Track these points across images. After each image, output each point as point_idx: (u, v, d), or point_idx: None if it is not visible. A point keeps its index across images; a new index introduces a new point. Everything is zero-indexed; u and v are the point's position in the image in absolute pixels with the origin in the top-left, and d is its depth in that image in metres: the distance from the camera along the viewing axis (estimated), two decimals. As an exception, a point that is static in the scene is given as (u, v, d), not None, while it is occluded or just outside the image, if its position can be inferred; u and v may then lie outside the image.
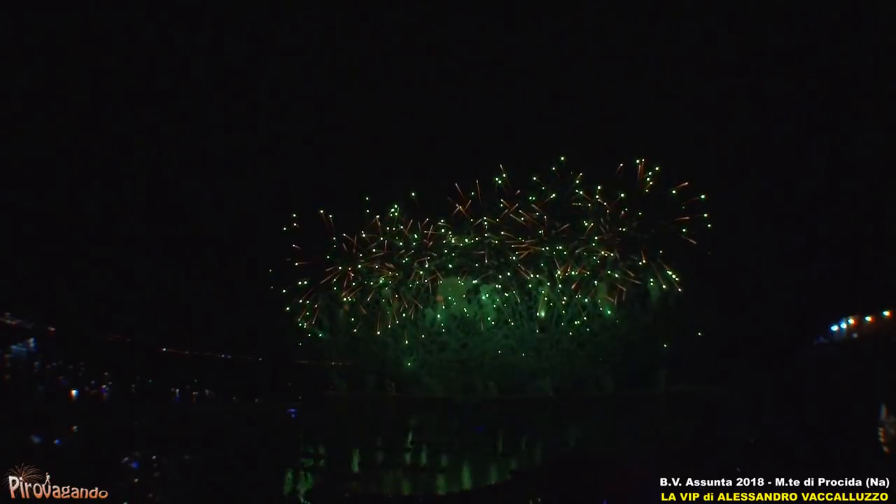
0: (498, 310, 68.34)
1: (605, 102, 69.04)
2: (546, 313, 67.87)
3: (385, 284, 70.50)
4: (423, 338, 69.64)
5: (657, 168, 66.28)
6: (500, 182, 68.91)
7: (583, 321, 67.12)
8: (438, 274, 69.19)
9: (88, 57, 73.32)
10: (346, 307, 71.55)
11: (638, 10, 69.82)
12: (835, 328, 60.70)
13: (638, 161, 66.58)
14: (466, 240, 69.34)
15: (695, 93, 68.16)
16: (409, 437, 50.68)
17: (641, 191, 67.20)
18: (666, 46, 68.60)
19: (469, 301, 68.91)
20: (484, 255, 68.46)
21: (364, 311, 70.57)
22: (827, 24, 62.54)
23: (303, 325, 72.22)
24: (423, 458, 44.55)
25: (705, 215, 65.15)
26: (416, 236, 70.80)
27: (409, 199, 71.00)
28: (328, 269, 71.69)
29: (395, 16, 73.28)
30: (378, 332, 70.47)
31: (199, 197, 77.16)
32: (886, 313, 55.36)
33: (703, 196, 64.89)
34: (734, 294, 63.49)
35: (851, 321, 58.86)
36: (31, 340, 65.07)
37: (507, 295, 68.06)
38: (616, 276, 66.80)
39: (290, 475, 40.16)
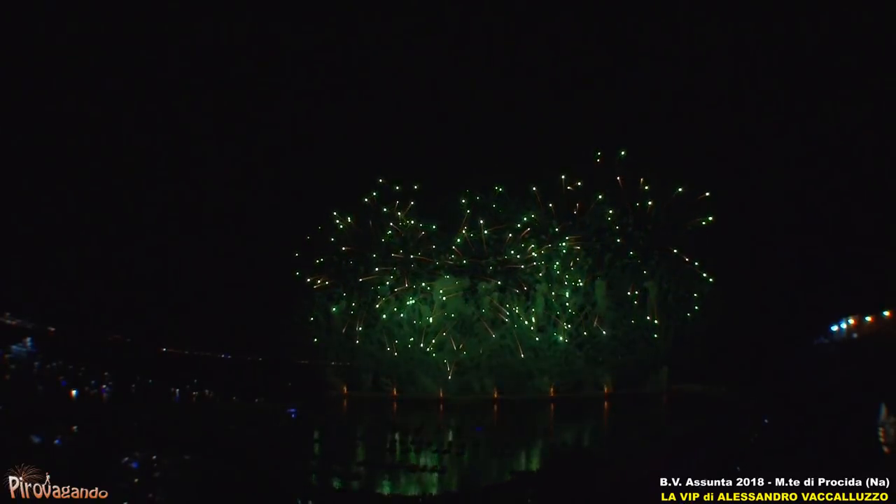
0: (495, 310, 68.38)
1: (605, 100, 68.79)
2: (543, 312, 67.86)
3: (382, 283, 70.65)
4: (419, 338, 69.70)
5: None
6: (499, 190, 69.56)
7: (581, 321, 67.12)
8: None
9: (96, 56, 73.32)
10: (343, 306, 71.71)
11: (642, 14, 69.55)
12: (835, 328, 60.50)
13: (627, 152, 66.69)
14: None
15: (694, 92, 68.06)
16: (409, 438, 50.66)
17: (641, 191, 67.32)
18: (669, 46, 68.39)
19: (466, 300, 68.96)
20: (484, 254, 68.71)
21: (359, 310, 70.78)
22: (832, 20, 62.51)
23: (301, 325, 72.36)
24: (423, 458, 44.60)
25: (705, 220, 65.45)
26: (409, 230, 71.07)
27: (407, 198, 71.35)
28: (325, 269, 71.99)
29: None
30: (374, 332, 70.65)
31: (198, 197, 77.02)
32: (886, 313, 55.15)
33: (707, 194, 65.03)
34: (734, 294, 63.45)
35: (851, 321, 58.61)
36: (29, 340, 64.83)
37: (504, 294, 68.13)
38: (614, 275, 66.98)
39: (290, 475, 40.16)
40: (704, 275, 66.67)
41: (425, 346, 69.37)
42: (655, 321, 66.67)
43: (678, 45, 68.21)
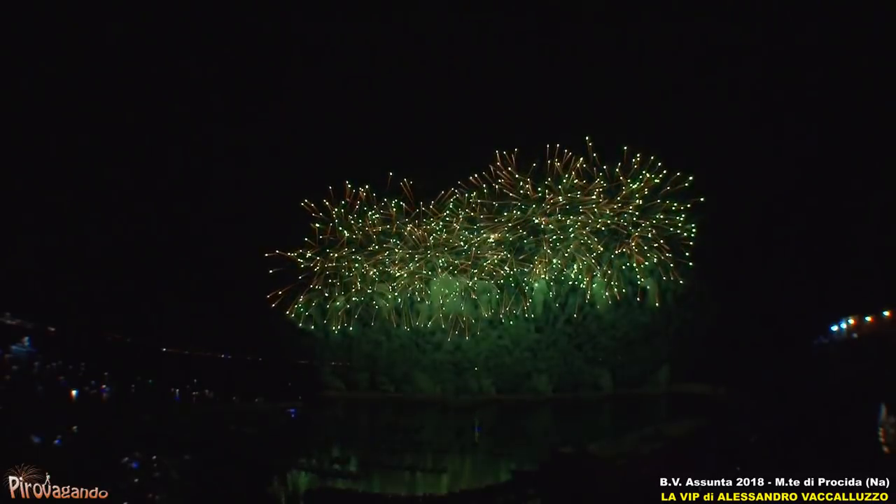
0: (493, 310, 68.33)
1: (603, 93, 68.17)
2: (542, 312, 67.84)
3: (379, 281, 70.71)
4: (416, 337, 69.70)
5: (653, 161, 66.47)
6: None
7: (580, 321, 67.06)
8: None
9: (87, 52, 73.06)
10: (339, 304, 71.72)
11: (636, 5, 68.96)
12: (835, 328, 60.55)
13: (634, 156, 66.72)
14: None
15: (697, 87, 67.73)
16: (408, 437, 50.73)
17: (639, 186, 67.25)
18: (668, 39, 67.91)
19: (464, 299, 68.98)
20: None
21: (356, 309, 70.83)
22: (830, 20, 62.30)
23: (297, 324, 72.41)
24: (423, 458, 44.61)
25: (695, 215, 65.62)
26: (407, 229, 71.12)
27: (403, 194, 71.42)
28: (321, 266, 72.16)
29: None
30: (371, 332, 70.67)
31: (195, 195, 76.93)
32: (886, 313, 55.18)
33: (701, 198, 65.28)
34: (734, 293, 63.45)
35: (851, 321, 58.65)
36: (27, 339, 64.79)
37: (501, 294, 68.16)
38: (612, 273, 67.00)
39: (289, 475, 40.20)
40: (703, 274, 66.58)
41: (423, 346, 69.39)
42: (655, 321, 66.60)
43: (679, 44, 67.88)
